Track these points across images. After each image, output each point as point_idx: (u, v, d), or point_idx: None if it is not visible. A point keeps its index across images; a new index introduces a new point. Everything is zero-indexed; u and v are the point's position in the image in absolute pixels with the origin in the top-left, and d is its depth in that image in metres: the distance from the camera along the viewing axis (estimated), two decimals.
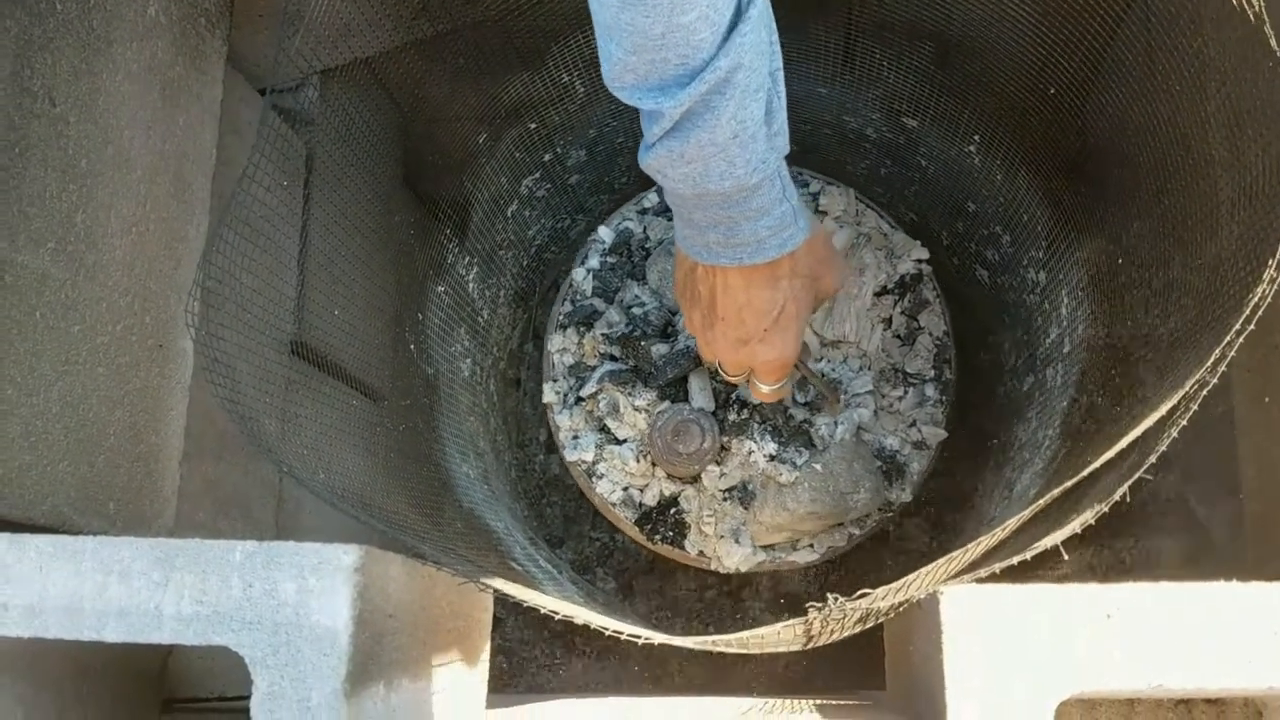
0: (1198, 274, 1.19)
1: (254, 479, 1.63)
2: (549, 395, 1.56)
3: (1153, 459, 0.94)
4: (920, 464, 1.51)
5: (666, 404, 1.52)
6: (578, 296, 1.59)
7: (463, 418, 1.75)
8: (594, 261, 1.59)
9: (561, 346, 1.58)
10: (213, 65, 1.44)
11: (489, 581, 1.11)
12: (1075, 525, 0.97)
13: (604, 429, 1.52)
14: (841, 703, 1.34)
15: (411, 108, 1.60)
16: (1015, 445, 1.84)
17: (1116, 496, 0.96)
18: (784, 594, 2.27)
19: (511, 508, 2.06)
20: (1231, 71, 1.11)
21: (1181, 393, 0.96)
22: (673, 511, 1.51)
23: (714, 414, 1.45)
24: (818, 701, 1.33)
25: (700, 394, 1.47)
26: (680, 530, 1.49)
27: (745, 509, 1.47)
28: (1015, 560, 0.96)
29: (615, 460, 1.50)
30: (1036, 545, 1.06)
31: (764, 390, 1.27)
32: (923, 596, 0.94)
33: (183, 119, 1.38)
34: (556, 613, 1.02)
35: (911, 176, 1.89)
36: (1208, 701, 1.18)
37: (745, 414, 1.47)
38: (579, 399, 1.53)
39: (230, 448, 1.53)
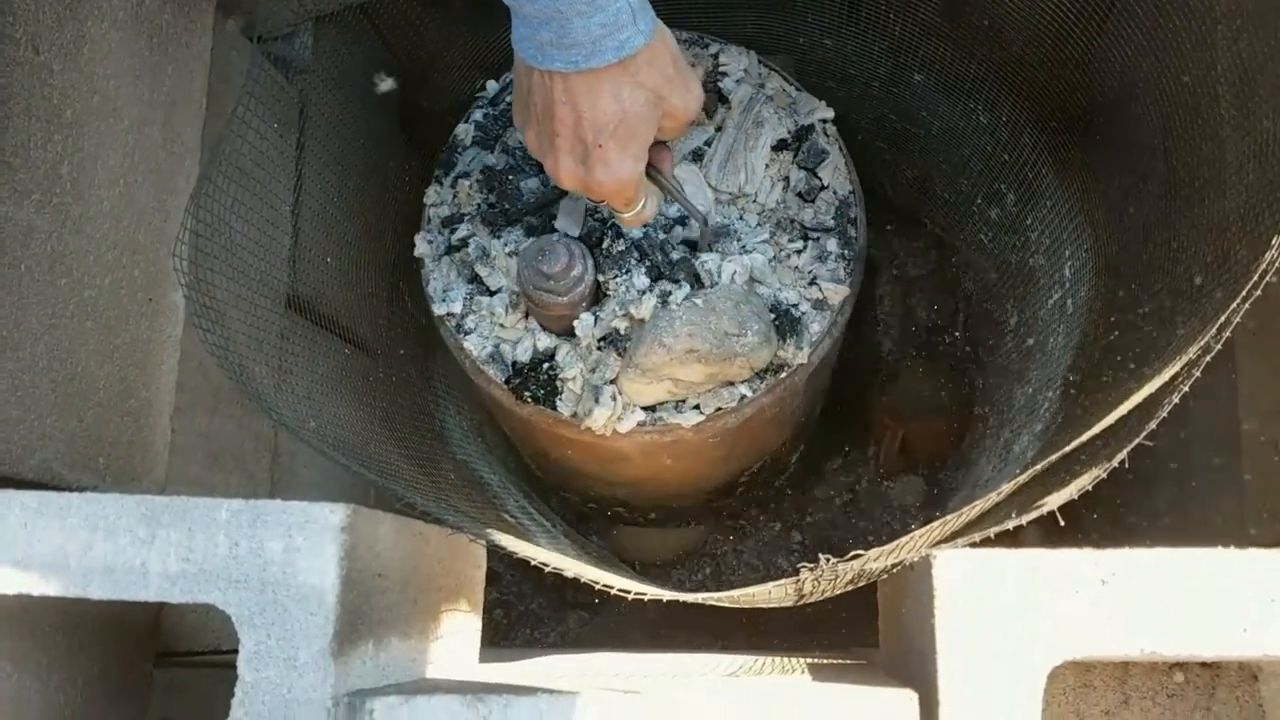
0: (1204, 235, 1.17)
1: (248, 433, 1.62)
2: (421, 247, 1.40)
3: (1154, 424, 0.93)
4: (820, 324, 1.32)
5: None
6: (457, 149, 1.44)
7: (457, 369, 1.74)
8: (478, 115, 1.46)
9: (437, 199, 1.42)
10: (202, 12, 1.41)
11: (481, 533, 1.11)
12: (1073, 489, 0.96)
13: (475, 279, 1.37)
14: (833, 662, 1.34)
15: (407, 54, 1.58)
16: (1014, 407, 1.83)
17: (1117, 461, 0.95)
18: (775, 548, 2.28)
19: (505, 460, 2.06)
20: (1243, 28, 1.09)
21: (1186, 358, 0.94)
22: (546, 368, 1.34)
23: (584, 243, 1.29)
24: (810, 660, 1.33)
25: (565, 219, 1.31)
26: (552, 389, 1.33)
27: (621, 356, 1.30)
28: (1011, 524, 0.95)
29: (484, 312, 1.35)
30: (1034, 508, 1.05)
31: (624, 215, 1.20)
32: (916, 559, 0.93)
33: (171, 67, 1.35)
34: (547, 565, 1.01)
35: (916, 133, 1.87)
36: (1202, 665, 1.18)
37: (622, 246, 1.31)
38: (450, 248, 1.39)
39: (224, 401, 1.52)
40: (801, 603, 1.26)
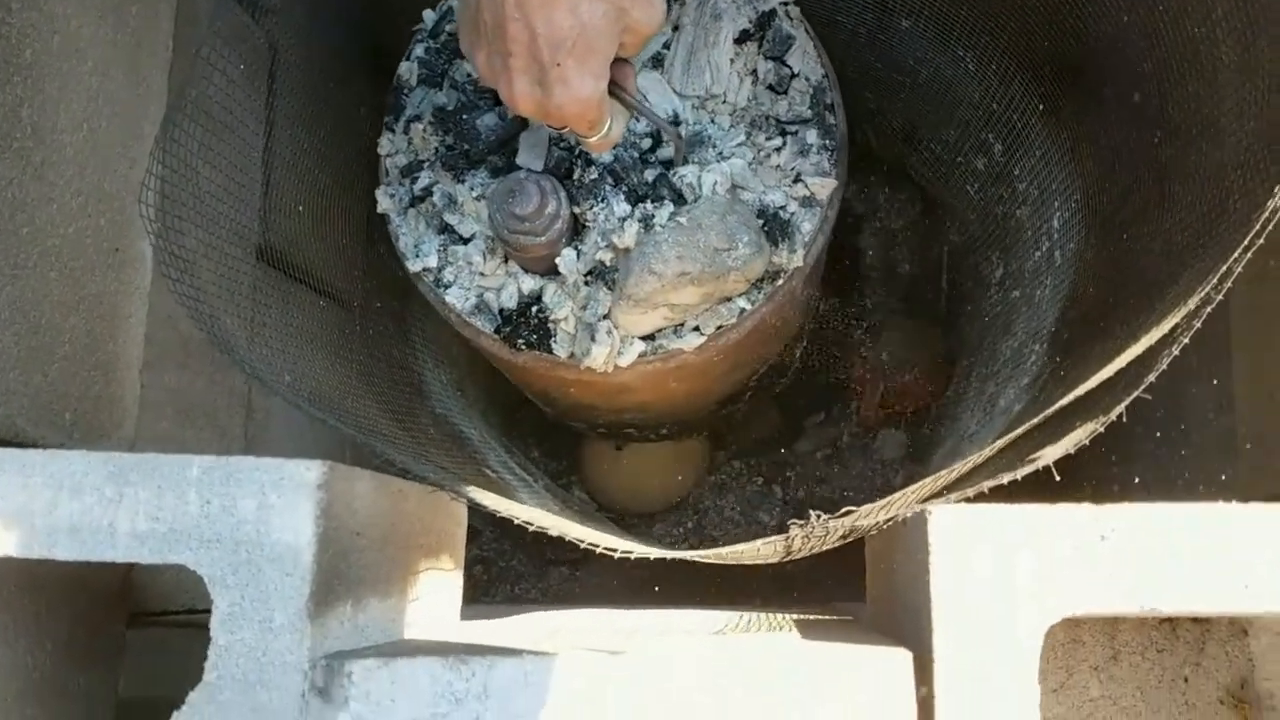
0: (1200, 184, 1.14)
1: (220, 388, 1.58)
2: (383, 202, 1.32)
3: (1153, 376, 0.91)
4: (811, 222, 1.25)
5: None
6: (404, 91, 1.35)
7: (436, 322, 1.70)
8: (419, 50, 1.36)
9: (391, 148, 1.34)
10: None
11: (461, 490, 1.08)
12: (1069, 443, 0.94)
13: (446, 228, 1.29)
14: (819, 618, 1.32)
15: None
16: (999, 359, 1.81)
17: (1115, 415, 0.93)
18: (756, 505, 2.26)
19: (486, 414, 2.03)
20: None
21: (1186, 309, 0.92)
22: (535, 310, 1.26)
23: (554, 176, 1.22)
24: (795, 617, 1.32)
25: (528, 153, 1.23)
26: (545, 332, 1.26)
27: (612, 290, 1.24)
28: (1005, 479, 0.93)
29: (462, 262, 1.28)
30: (1029, 461, 1.03)
31: (590, 140, 1.13)
32: (909, 515, 0.90)
33: (136, 8, 1.30)
34: (531, 523, 0.99)
35: (902, 81, 1.83)
36: (1193, 620, 1.17)
37: (594, 174, 1.23)
38: (414, 199, 1.31)
39: (194, 355, 1.48)
40: (787, 559, 1.24)
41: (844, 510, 0.93)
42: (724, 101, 1.28)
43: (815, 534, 0.99)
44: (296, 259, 1.42)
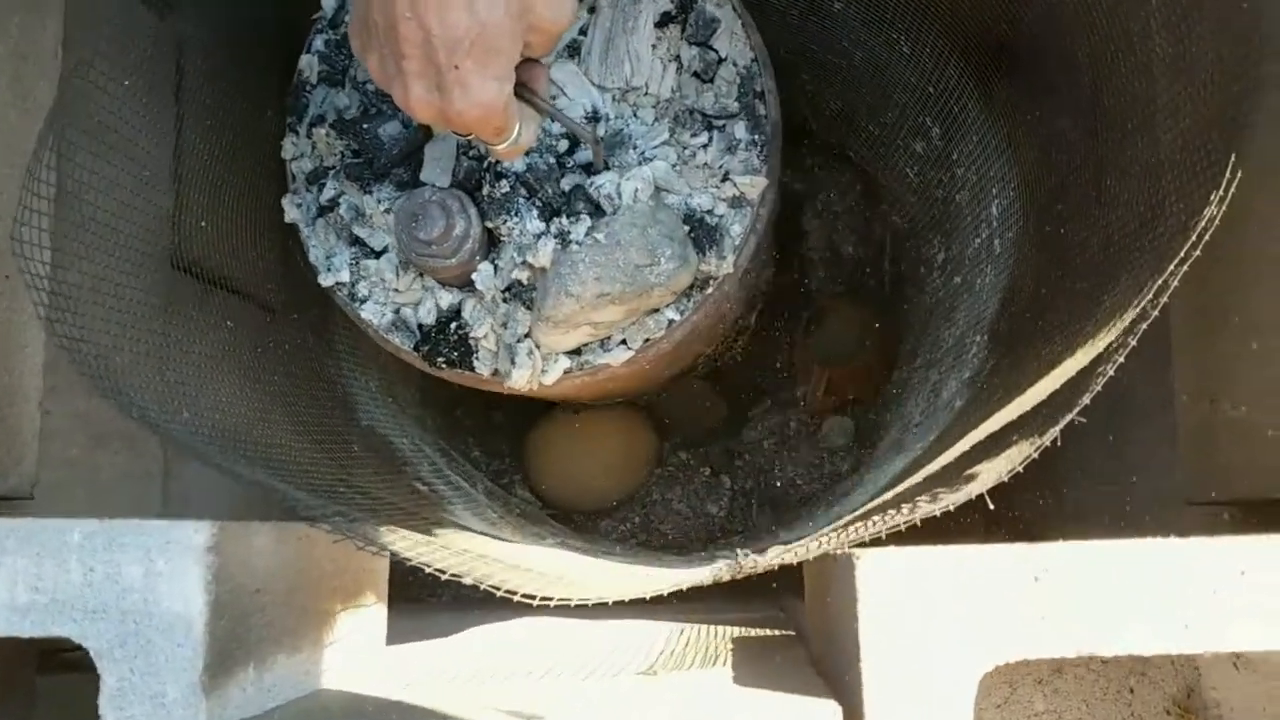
0: (1136, 182, 1.10)
1: (140, 390, 1.51)
2: (290, 212, 1.25)
3: (1087, 399, 0.87)
4: (741, 224, 1.17)
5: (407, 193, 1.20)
6: (305, 89, 1.26)
7: (359, 330, 1.64)
8: (319, 43, 1.27)
9: (296, 152, 1.25)
10: None
11: (371, 534, 1.02)
12: (1004, 464, 0.91)
13: (357, 241, 1.22)
14: (760, 634, 1.29)
15: None
16: (942, 347, 1.78)
17: (1048, 440, 0.89)
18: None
19: (420, 418, 1.97)
20: None
21: (1122, 324, 0.88)
22: (454, 327, 1.20)
23: (464, 191, 1.15)
24: (736, 634, 1.28)
25: (432, 167, 1.16)
26: (466, 349, 1.20)
27: (530, 309, 1.18)
28: (939, 509, 0.89)
29: (375, 277, 1.21)
30: (966, 478, 1.00)
31: (498, 148, 1.03)
32: (839, 553, 0.86)
33: (18, 18, 1.22)
34: (444, 573, 0.94)
35: (838, 64, 1.78)
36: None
37: (505, 186, 1.16)
38: (321, 209, 1.23)
39: None
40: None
41: (776, 552, 0.89)
42: (646, 93, 1.20)
43: (745, 569, 0.95)
44: (212, 271, 1.35)
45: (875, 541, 0.92)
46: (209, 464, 0.94)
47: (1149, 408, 1.24)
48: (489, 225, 1.16)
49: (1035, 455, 0.87)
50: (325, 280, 1.24)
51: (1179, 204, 0.97)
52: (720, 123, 1.20)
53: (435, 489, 1.68)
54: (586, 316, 1.13)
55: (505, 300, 1.19)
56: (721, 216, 1.18)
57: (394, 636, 1.23)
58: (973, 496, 0.88)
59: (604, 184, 1.15)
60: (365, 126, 1.21)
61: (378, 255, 1.22)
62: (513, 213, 1.16)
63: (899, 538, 0.87)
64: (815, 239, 2.24)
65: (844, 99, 1.87)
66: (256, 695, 0.87)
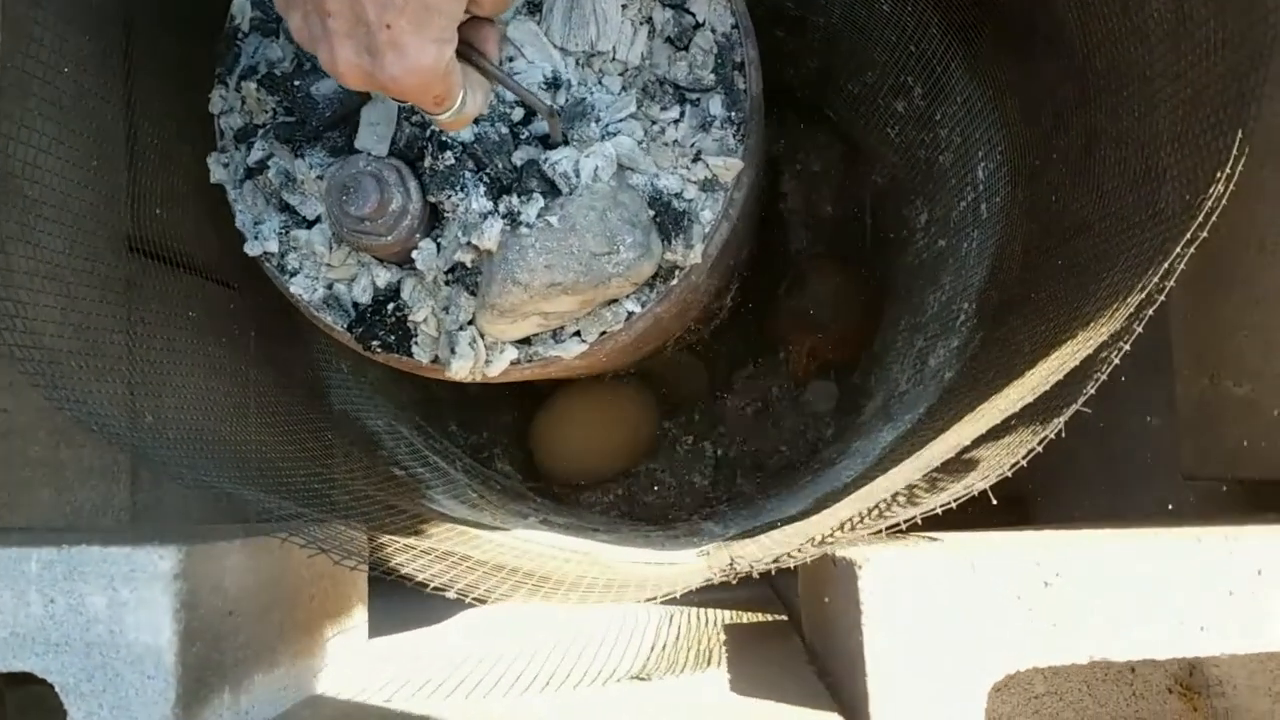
0: (1133, 152, 1.06)
1: (99, 397, 1.46)
2: (216, 172, 1.14)
3: (1091, 389, 0.84)
4: (713, 210, 1.07)
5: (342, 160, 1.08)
6: (236, 36, 1.14)
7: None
8: None
9: (224, 106, 1.13)
10: None
11: (346, 546, 0.98)
12: (1005, 465, 0.87)
13: (287, 208, 1.11)
14: (753, 620, 1.26)
15: None
16: (927, 311, 1.74)
17: (1051, 432, 0.86)
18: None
19: (395, 396, 1.92)
20: None
21: (1127, 308, 0.85)
22: (392, 308, 1.09)
23: (403, 161, 1.04)
24: (727, 621, 1.25)
25: (369, 133, 1.05)
26: (404, 332, 1.09)
27: (474, 295, 1.07)
28: (941, 507, 0.86)
29: (305, 248, 1.10)
30: (964, 463, 0.96)
31: (440, 118, 0.91)
32: (837, 556, 0.83)
33: None
34: (425, 586, 0.90)
35: (816, 21, 1.73)
36: None
37: (450, 158, 1.04)
38: (249, 171, 1.12)
39: None
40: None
41: (766, 558, 0.86)
42: (613, 59, 1.08)
43: (739, 571, 0.91)
44: (172, 249, 1.29)
45: (874, 534, 0.89)
46: (174, 477, 0.89)
47: (1147, 380, 1.21)
48: (432, 200, 1.05)
49: (1039, 449, 0.83)
50: (251, 249, 1.13)
51: (1181, 179, 0.93)
52: (694, 96, 1.09)
53: (414, 473, 1.64)
54: (536, 307, 1.03)
55: (448, 282, 1.08)
56: (691, 201, 1.07)
57: (375, 628, 1.19)
58: (975, 492, 0.85)
59: (561, 160, 1.03)
60: (298, 83, 1.09)
61: (309, 225, 1.12)
62: (458, 188, 1.04)
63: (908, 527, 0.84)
64: (794, 200, 2.19)
65: (823, 57, 1.82)
66: (234, 719, 0.83)
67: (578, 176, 1.03)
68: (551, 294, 1.01)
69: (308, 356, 1.56)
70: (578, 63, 1.08)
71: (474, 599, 0.87)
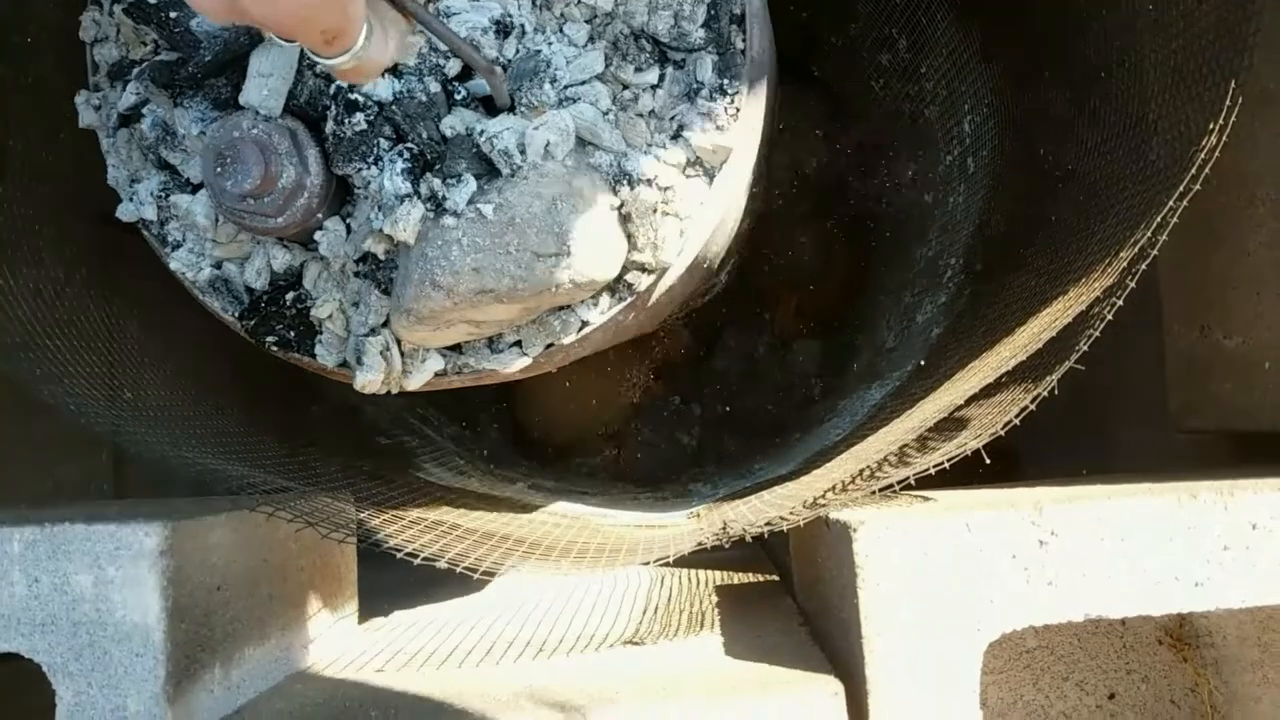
0: (1123, 103, 1.05)
1: (77, 374, 1.44)
2: (86, 115, 0.92)
3: (1084, 346, 0.83)
4: (694, 202, 0.86)
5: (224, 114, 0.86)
6: None
7: None
8: None
9: (98, 33, 0.92)
10: None
11: (330, 515, 0.97)
12: (999, 425, 0.87)
13: (168, 167, 0.90)
14: (745, 580, 1.26)
15: None
16: (914, 267, 1.73)
17: (1044, 390, 0.85)
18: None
19: None
20: None
21: (1120, 264, 0.84)
22: (292, 298, 0.89)
23: (303, 122, 0.83)
24: (719, 582, 1.25)
25: (258, 85, 0.83)
26: (307, 328, 0.89)
27: (387, 294, 0.87)
28: (933, 468, 0.85)
29: (187, 218, 0.89)
30: (956, 420, 0.96)
31: (337, 64, 0.69)
32: (831, 518, 0.82)
33: None
34: (417, 556, 0.89)
35: None
36: None
37: (363, 122, 0.82)
38: (123, 118, 0.90)
39: None
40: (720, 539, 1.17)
41: (760, 521, 0.85)
42: (578, 2, 0.87)
43: (731, 536, 0.91)
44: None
45: (867, 495, 0.89)
46: (155, 454, 0.88)
47: (1136, 331, 1.20)
48: (338, 173, 0.84)
49: (1033, 406, 0.83)
50: (124, 213, 0.92)
51: (1172, 131, 0.92)
52: (678, 56, 0.87)
53: (399, 440, 1.63)
54: (462, 315, 0.83)
55: (358, 274, 0.88)
56: (668, 190, 0.85)
57: (367, 599, 1.19)
58: (969, 452, 0.84)
59: (502, 133, 0.81)
60: (173, 15, 0.86)
61: (193, 190, 0.90)
62: (369, 160, 0.83)
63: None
64: (777, 157, 2.17)
65: (805, 9, 1.80)
66: (225, 695, 0.82)
67: (523, 154, 0.81)
68: (482, 302, 0.81)
69: None
70: (534, 2, 0.87)
71: (464, 569, 0.86)
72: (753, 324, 2.20)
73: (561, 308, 0.87)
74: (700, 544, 0.93)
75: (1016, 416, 0.84)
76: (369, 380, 0.87)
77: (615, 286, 0.87)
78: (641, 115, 0.86)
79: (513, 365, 0.89)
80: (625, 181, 0.84)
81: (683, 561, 1.37)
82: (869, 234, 2.03)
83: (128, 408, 0.98)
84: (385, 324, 0.87)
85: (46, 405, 1.34)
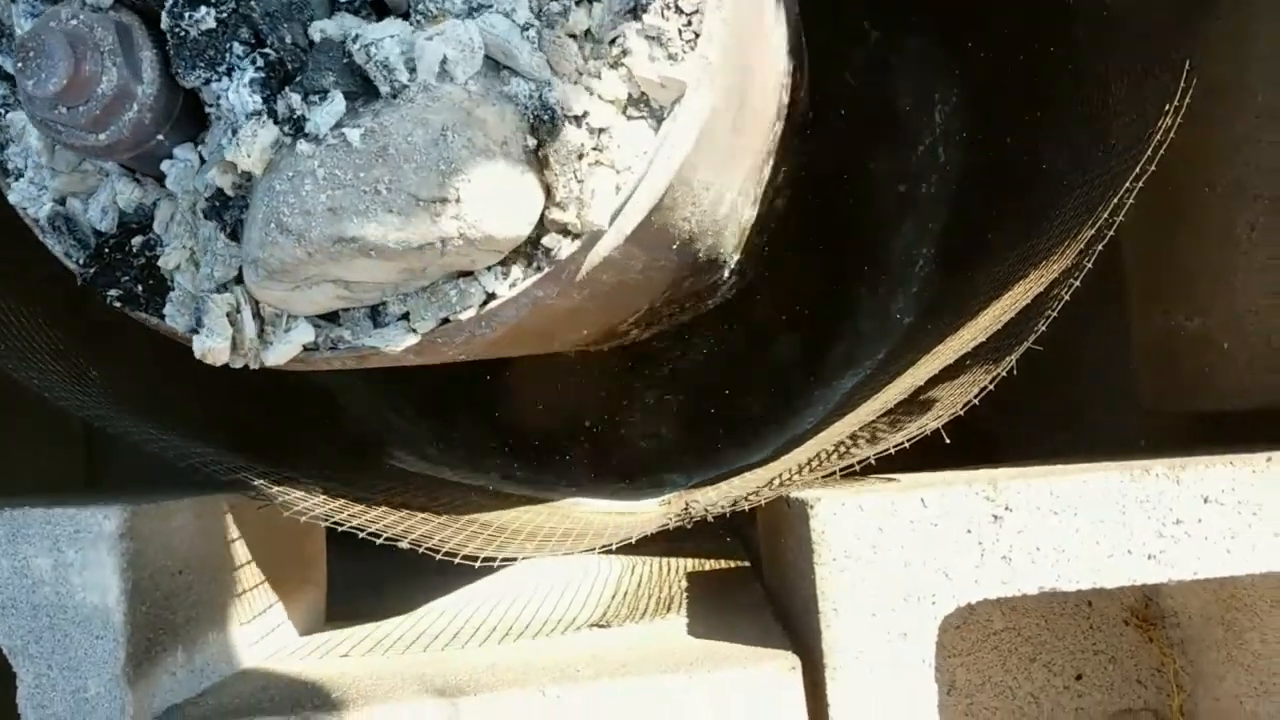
0: (1087, 89, 1.06)
1: (42, 351, 1.43)
2: None
3: (1043, 326, 0.84)
4: (639, 146, 0.68)
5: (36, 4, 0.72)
6: None
7: None
8: None
9: None
10: None
11: (296, 496, 0.97)
12: (958, 405, 0.87)
13: (6, 76, 0.75)
14: (715, 566, 1.26)
15: None
16: (887, 259, 1.74)
17: (1004, 369, 0.86)
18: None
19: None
20: None
21: (1077, 246, 0.85)
22: (140, 244, 0.74)
23: (139, 15, 0.68)
24: (689, 569, 1.25)
25: None
26: (156, 282, 0.74)
27: (236, 241, 0.70)
28: (893, 448, 0.86)
29: (21, 142, 0.75)
30: (921, 404, 0.96)
31: None
32: (792, 497, 0.83)
33: None
34: (377, 537, 0.89)
35: None
36: None
37: (211, 19, 0.66)
38: None
39: None
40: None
41: (722, 501, 0.86)
42: None
43: (695, 516, 0.91)
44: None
45: (830, 476, 0.89)
46: (121, 434, 0.88)
47: (1105, 320, 1.21)
48: (185, 84, 0.68)
49: (991, 387, 0.83)
50: None
51: (1131, 114, 0.92)
52: None
53: (372, 428, 1.63)
54: (323, 271, 0.66)
55: (207, 215, 0.71)
56: (603, 132, 0.68)
57: (338, 591, 1.19)
58: (929, 432, 0.85)
59: (383, 40, 0.65)
60: None
61: (17, 104, 0.76)
62: (220, 69, 0.67)
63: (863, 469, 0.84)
64: None
65: None
66: (187, 679, 0.82)
67: (411, 72, 0.65)
68: (344, 254, 0.64)
69: None
70: None
71: (427, 550, 0.86)
72: (731, 317, 2.21)
73: (461, 275, 0.70)
74: (665, 526, 0.94)
75: (976, 396, 0.84)
76: (211, 348, 0.71)
77: (530, 252, 0.70)
78: (573, 35, 0.68)
79: (399, 343, 0.72)
80: (546, 117, 0.67)
81: (656, 550, 1.38)
82: (843, 225, 2.03)
83: (95, 387, 0.97)
84: (239, 280, 0.71)
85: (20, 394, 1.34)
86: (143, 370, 1.14)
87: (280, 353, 0.73)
